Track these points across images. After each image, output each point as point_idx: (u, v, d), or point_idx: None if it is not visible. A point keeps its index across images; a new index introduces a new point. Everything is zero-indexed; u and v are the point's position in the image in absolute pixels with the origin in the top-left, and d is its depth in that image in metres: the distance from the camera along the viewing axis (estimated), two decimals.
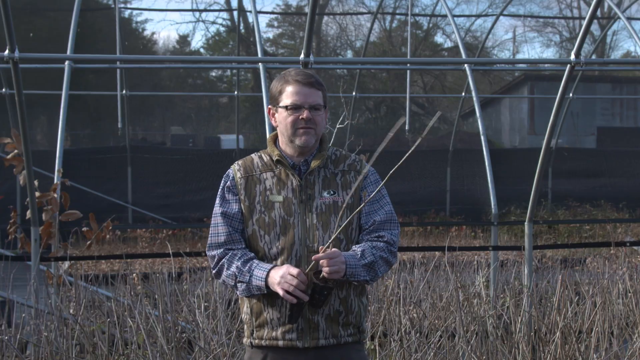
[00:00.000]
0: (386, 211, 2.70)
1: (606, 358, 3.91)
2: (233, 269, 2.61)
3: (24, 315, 4.80)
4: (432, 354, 4.10)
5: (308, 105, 2.63)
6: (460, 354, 4.12)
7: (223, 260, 2.64)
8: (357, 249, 2.60)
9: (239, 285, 2.61)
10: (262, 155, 2.74)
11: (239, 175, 2.70)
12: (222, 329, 4.29)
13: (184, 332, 4.60)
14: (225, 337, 4.26)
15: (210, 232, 2.71)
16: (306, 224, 2.62)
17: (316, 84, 2.66)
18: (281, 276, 2.50)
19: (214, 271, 2.69)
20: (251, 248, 2.67)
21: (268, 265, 2.58)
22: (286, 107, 2.64)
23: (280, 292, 2.50)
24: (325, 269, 2.48)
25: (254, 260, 2.61)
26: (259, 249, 2.64)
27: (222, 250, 2.66)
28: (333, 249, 2.51)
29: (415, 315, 5.13)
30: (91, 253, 7.76)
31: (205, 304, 4.80)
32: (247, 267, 2.59)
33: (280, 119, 2.67)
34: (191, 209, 13.78)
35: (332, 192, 2.66)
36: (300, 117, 2.62)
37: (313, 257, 2.50)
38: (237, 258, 2.62)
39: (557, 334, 3.92)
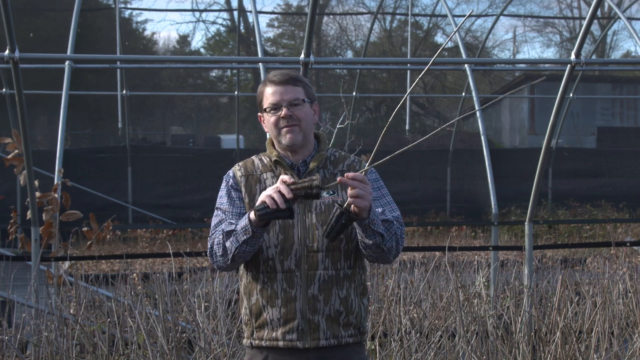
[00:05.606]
0: (391, 209, 2.69)
1: (606, 358, 3.91)
2: (219, 236, 2.58)
3: (24, 315, 4.80)
4: (432, 354, 4.10)
5: (286, 103, 2.63)
6: (460, 354, 4.12)
7: (212, 239, 2.62)
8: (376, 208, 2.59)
9: (227, 244, 2.54)
10: (262, 157, 2.77)
11: (239, 173, 2.72)
12: (222, 329, 4.29)
13: (184, 332, 4.60)
14: (226, 337, 4.26)
15: (210, 231, 2.70)
16: (305, 224, 2.63)
17: (291, 80, 2.66)
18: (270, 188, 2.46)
19: (210, 256, 2.65)
20: None
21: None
22: (266, 110, 2.66)
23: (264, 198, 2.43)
24: (353, 192, 2.40)
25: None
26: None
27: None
28: (363, 175, 2.45)
29: (415, 315, 5.13)
30: (91, 253, 7.76)
31: (206, 304, 4.80)
32: (232, 226, 2.56)
33: (267, 123, 2.70)
34: (191, 209, 13.79)
35: (331, 192, 2.67)
36: (280, 115, 2.63)
37: (346, 175, 2.41)
38: (221, 228, 2.60)
39: (557, 334, 3.92)
